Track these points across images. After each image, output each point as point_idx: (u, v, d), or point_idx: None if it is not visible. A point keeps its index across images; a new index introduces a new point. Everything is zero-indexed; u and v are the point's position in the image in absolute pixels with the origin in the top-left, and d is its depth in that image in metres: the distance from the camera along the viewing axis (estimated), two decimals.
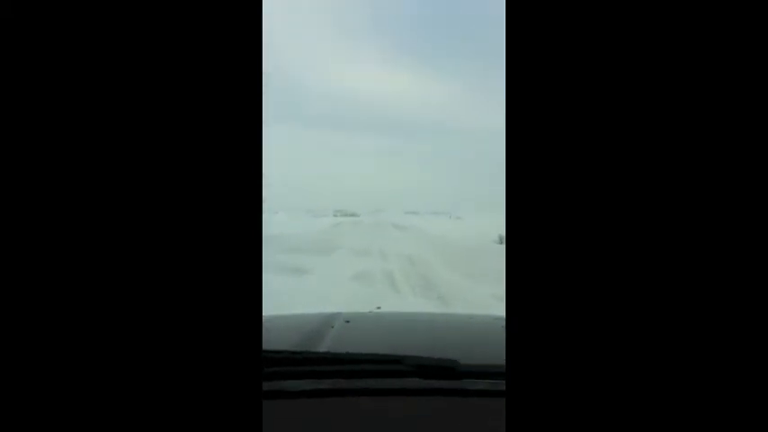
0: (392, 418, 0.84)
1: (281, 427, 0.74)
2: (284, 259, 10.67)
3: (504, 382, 0.85)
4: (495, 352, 1.02)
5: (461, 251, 15.08)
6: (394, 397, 0.91)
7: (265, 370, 0.91)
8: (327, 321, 1.45)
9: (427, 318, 1.96)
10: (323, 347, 1.19)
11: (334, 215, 53.09)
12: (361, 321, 1.57)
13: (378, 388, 0.93)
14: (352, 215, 55.34)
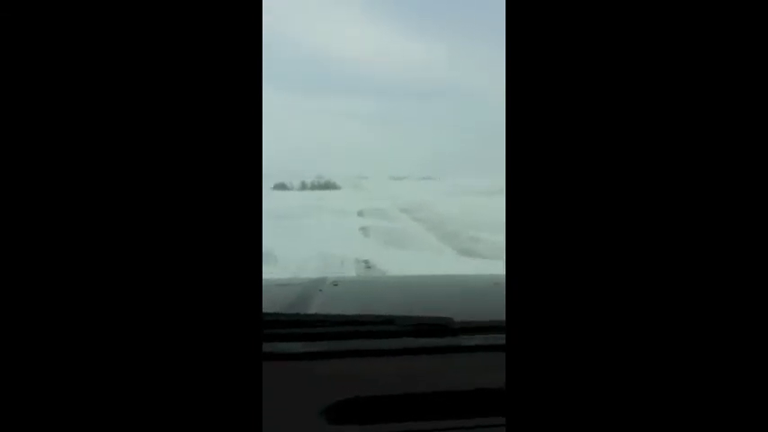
0: (387, 378, 0.84)
1: (273, 390, 0.72)
2: None
3: (499, 335, 0.89)
4: (489, 309, 1.02)
5: None
6: (388, 357, 0.91)
7: None
8: (315, 285, 1.44)
9: (416, 280, 1.91)
10: (312, 311, 1.17)
11: (302, 187, 45.34)
12: (350, 285, 1.60)
13: (371, 349, 0.93)
14: (329, 187, 47.92)
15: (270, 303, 1.05)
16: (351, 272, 7.13)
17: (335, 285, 1.47)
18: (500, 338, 0.90)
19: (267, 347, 0.86)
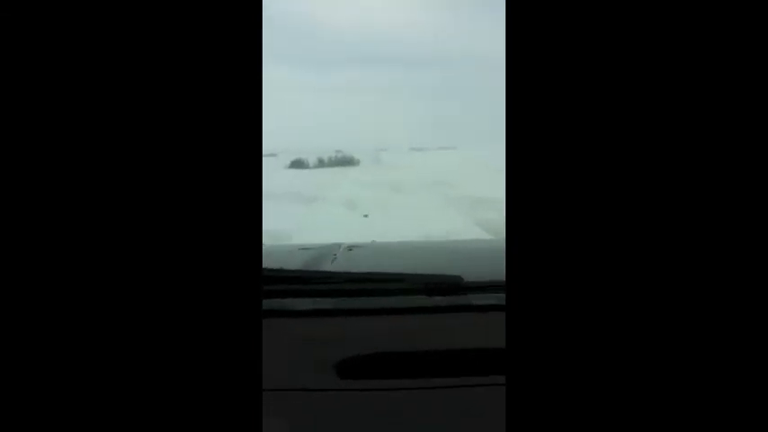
0: (397, 336, 0.85)
1: (282, 346, 0.75)
2: None
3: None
4: (501, 269, 1.01)
5: None
6: (398, 315, 0.92)
7: (265, 288, 0.90)
8: (330, 250, 1.44)
9: (431, 244, 2.04)
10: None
11: (319, 164, 43.46)
12: (365, 249, 1.55)
13: (381, 307, 0.94)
14: (348, 162, 46.08)
15: (284, 265, 1.08)
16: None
17: (350, 250, 1.46)
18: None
19: (275, 304, 0.88)
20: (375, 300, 0.96)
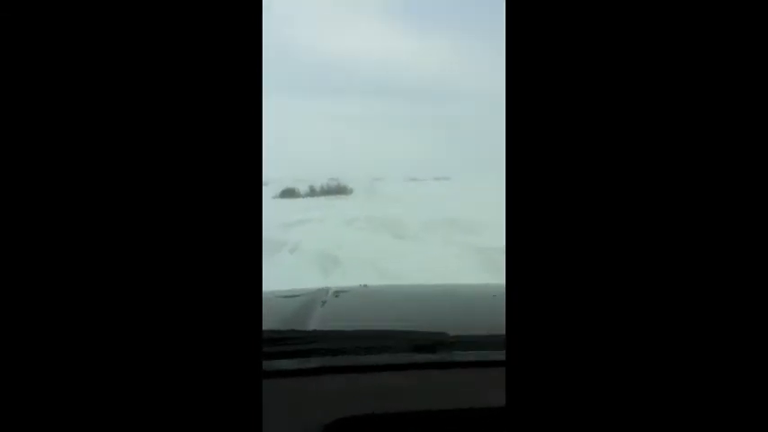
0: (383, 393, 0.85)
1: (270, 408, 0.73)
2: None
3: (492, 352, 0.91)
4: (485, 321, 1.05)
5: None
6: (384, 372, 0.92)
7: None
8: (317, 296, 1.43)
9: (417, 289, 1.94)
10: (312, 325, 1.18)
11: (308, 194, 41.61)
12: (351, 295, 1.55)
13: (368, 364, 0.94)
14: (341, 191, 44.45)
15: (271, 316, 1.07)
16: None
17: (337, 297, 1.46)
18: (495, 354, 0.90)
19: (263, 365, 0.88)
20: (360, 358, 0.95)
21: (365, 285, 1.77)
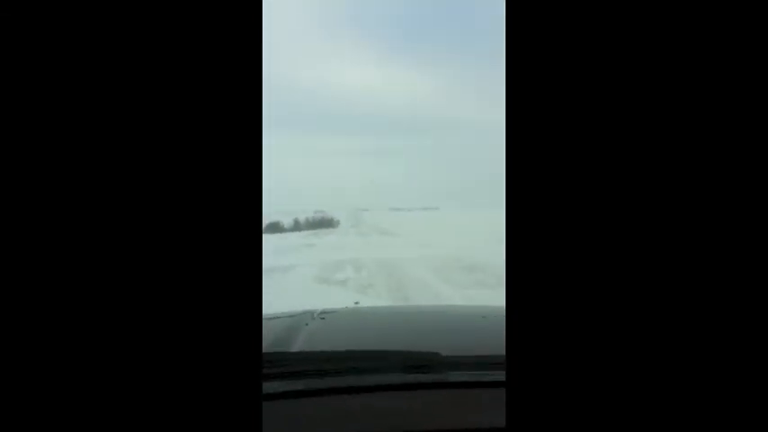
0: (373, 415, 0.84)
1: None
2: None
3: (486, 372, 0.91)
4: (475, 342, 1.04)
5: None
6: (375, 393, 0.90)
7: None
8: (302, 319, 1.41)
9: (404, 310, 2.01)
10: (296, 347, 1.17)
11: (295, 227, 40.66)
12: (337, 317, 1.53)
13: (360, 385, 0.92)
14: (327, 224, 43.42)
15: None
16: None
17: (323, 318, 1.43)
18: (486, 374, 0.90)
19: None
20: (351, 378, 0.94)
21: (357, 303, 1.31)
